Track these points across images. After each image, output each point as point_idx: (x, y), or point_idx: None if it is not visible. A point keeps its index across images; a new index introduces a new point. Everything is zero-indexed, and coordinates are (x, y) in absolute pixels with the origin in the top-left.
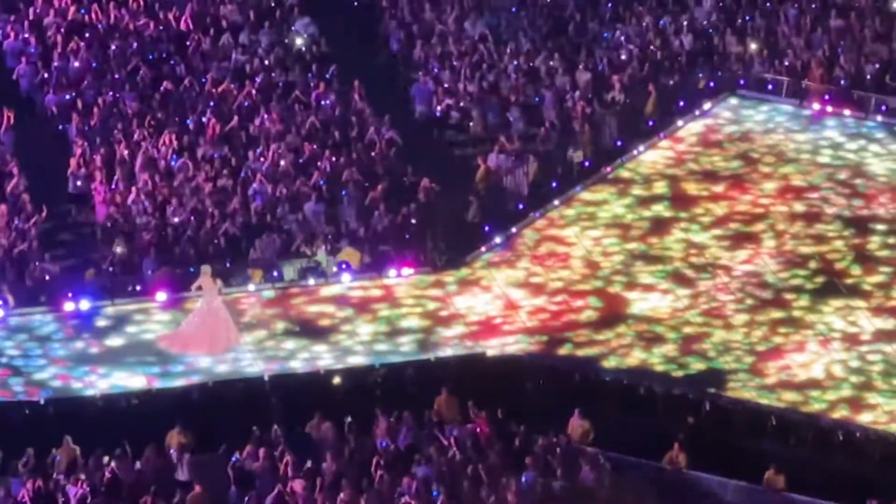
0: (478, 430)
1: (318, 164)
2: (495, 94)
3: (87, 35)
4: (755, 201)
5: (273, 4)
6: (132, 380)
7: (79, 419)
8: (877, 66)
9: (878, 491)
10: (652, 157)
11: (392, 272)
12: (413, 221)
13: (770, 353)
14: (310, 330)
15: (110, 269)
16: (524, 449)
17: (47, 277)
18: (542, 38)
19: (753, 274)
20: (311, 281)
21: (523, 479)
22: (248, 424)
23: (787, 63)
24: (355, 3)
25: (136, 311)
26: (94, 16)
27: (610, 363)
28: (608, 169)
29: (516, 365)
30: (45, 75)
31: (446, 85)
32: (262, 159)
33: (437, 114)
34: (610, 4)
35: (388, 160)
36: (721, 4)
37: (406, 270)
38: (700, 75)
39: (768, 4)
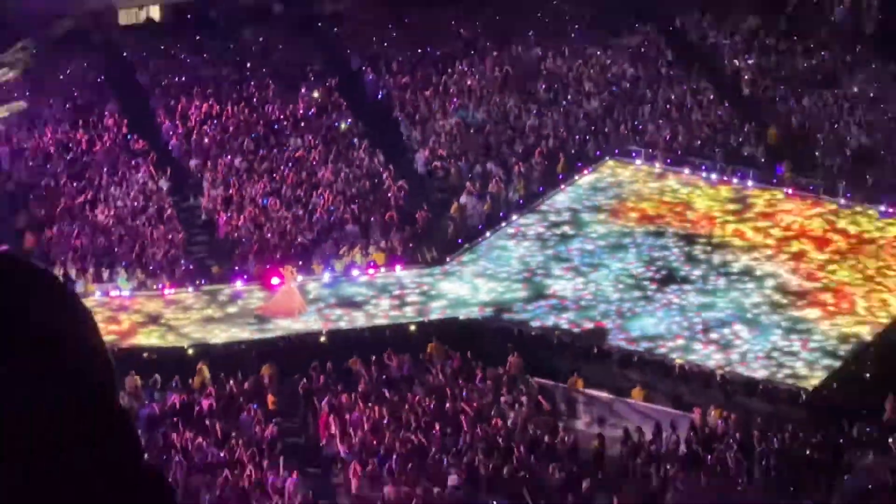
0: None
1: (357, 201)
2: (465, 158)
3: (214, 122)
4: (626, 223)
5: (324, 105)
6: (242, 333)
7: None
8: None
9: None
10: (561, 198)
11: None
12: (416, 234)
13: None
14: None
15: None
16: (483, 378)
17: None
18: (496, 124)
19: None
20: (355, 272)
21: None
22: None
23: (646, 139)
24: (379, 99)
25: (241, 291)
26: (220, 108)
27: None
28: (536, 204)
29: (479, 324)
30: (186, 146)
31: (436, 153)
32: (321, 197)
33: (429, 170)
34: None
35: (399, 199)
36: (604, 103)
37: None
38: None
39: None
